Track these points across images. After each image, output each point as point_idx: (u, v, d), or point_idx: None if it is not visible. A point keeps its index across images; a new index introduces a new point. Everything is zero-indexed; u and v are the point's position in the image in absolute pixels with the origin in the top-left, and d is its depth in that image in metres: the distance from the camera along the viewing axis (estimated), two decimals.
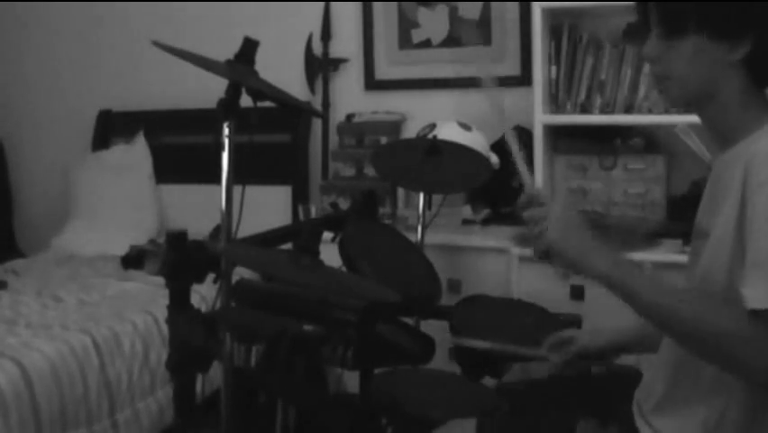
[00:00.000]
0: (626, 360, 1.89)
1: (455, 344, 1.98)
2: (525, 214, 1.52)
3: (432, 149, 2.64)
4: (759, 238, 1.27)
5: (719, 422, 1.40)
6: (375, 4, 3.54)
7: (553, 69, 2.99)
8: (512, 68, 3.33)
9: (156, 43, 1.90)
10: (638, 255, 2.66)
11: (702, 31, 1.39)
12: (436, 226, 2.87)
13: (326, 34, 3.62)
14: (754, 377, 1.29)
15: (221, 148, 1.93)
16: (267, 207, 3.11)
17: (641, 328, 1.72)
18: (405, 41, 3.53)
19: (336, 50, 3.62)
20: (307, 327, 1.74)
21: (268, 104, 1.97)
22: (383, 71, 3.58)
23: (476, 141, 2.86)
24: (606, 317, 2.58)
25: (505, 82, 3.32)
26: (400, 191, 3.33)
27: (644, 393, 1.55)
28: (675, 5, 1.42)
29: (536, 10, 2.93)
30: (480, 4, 3.38)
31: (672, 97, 1.52)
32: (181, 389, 1.74)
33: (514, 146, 1.63)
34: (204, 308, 2.03)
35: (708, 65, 1.40)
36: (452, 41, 3.45)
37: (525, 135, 3.12)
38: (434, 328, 2.07)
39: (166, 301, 1.76)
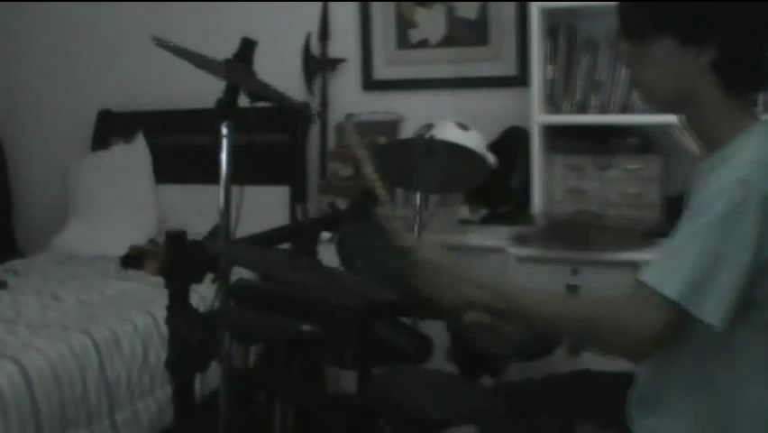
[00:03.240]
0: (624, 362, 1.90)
1: None
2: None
3: (429, 149, 2.64)
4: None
5: (706, 420, 1.43)
6: (373, 4, 3.54)
7: (550, 68, 3.00)
8: (509, 68, 3.34)
9: (157, 40, 1.91)
10: (635, 255, 2.67)
11: (668, 35, 1.41)
12: (434, 226, 2.88)
13: (324, 34, 3.62)
14: (633, 348, 1.38)
15: (217, 148, 1.94)
16: (265, 208, 3.11)
17: None
18: (402, 41, 3.54)
19: (334, 51, 3.63)
20: (305, 327, 1.75)
21: (266, 104, 1.98)
22: (381, 71, 3.58)
23: (473, 141, 2.86)
24: None
25: (502, 82, 3.35)
26: (398, 191, 3.34)
27: (633, 395, 1.58)
28: (640, 9, 1.45)
29: (534, 10, 2.93)
30: (478, 4, 3.38)
31: (646, 100, 1.56)
32: (180, 389, 1.76)
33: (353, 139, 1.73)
34: (202, 308, 2.04)
35: (678, 70, 1.43)
36: (449, 41, 3.45)
37: (522, 135, 3.13)
38: (432, 328, 2.08)
39: (165, 301, 1.78)
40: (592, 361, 1.82)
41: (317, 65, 3.63)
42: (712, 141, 1.46)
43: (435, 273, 1.55)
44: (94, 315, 2.77)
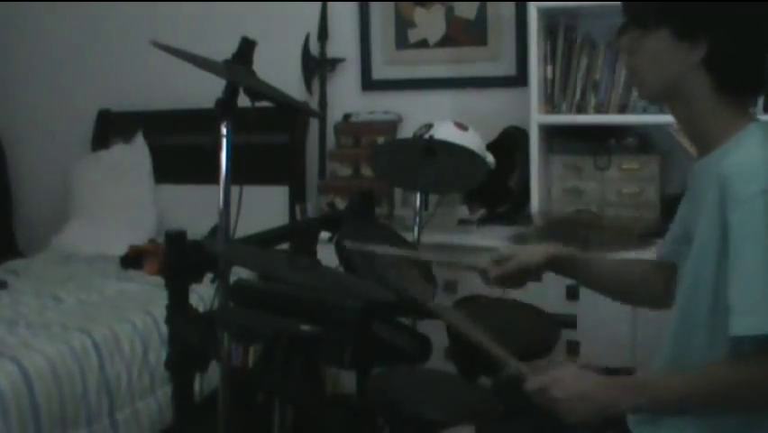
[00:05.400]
0: (622, 361, 1.90)
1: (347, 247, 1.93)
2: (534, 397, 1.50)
3: (428, 149, 2.65)
4: (740, 267, 1.31)
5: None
6: (372, 4, 3.55)
7: (549, 68, 3.01)
8: (508, 68, 3.34)
9: (155, 43, 1.91)
10: (633, 255, 2.68)
11: (666, 27, 1.42)
12: (433, 226, 2.89)
13: (323, 34, 3.63)
14: None
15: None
16: (264, 208, 3.11)
17: (579, 254, 1.81)
18: (401, 41, 3.54)
19: (333, 51, 3.64)
20: (305, 327, 1.76)
21: (265, 104, 1.98)
22: (380, 71, 3.59)
23: (472, 141, 2.87)
24: (600, 316, 2.61)
25: (501, 82, 3.35)
26: (397, 191, 3.34)
27: None
28: (639, 2, 1.46)
29: (532, 10, 2.94)
30: (477, 4, 3.39)
31: (639, 91, 1.58)
32: (180, 388, 1.76)
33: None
34: (202, 308, 2.05)
35: (671, 64, 1.43)
36: (448, 41, 3.46)
37: (520, 135, 3.14)
38: (431, 328, 2.08)
39: (165, 301, 1.78)
40: (591, 360, 1.83)
41: (316, 65, 3.63)
42: (704, 141, 1.46)
43: (578, 403, 1.43)
44: (93, 315, 2.77)
